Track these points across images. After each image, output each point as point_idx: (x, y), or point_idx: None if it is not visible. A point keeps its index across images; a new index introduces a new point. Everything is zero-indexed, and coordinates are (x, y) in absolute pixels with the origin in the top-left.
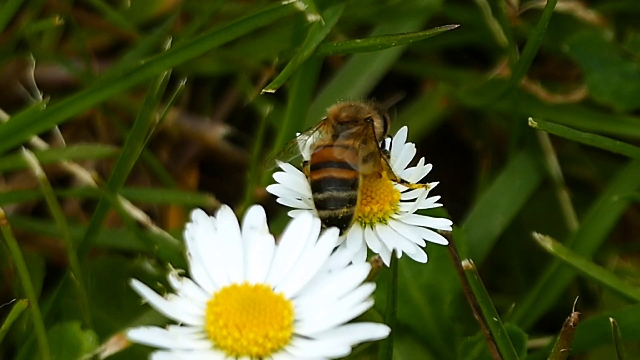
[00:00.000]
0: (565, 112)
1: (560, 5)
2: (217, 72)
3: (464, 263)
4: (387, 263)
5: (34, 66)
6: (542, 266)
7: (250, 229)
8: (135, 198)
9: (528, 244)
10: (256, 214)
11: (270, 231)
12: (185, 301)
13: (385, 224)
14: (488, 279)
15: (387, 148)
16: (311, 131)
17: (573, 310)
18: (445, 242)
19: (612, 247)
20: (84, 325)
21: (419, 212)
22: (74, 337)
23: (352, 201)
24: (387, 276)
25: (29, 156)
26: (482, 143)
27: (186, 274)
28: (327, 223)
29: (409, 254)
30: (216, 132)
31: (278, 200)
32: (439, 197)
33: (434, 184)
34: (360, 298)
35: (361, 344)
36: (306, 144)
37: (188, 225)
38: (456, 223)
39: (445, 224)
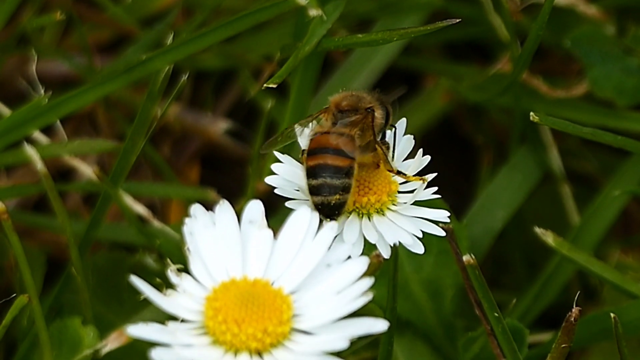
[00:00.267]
0: (567, 107)
1: (561, 0)
2: (219, 67)
3: (465, 258)
4: (385, 254)
5: (36, 61)
6: (543, 261)
7: (249, 224)
8: (137, 192)
9: (529, 239)
10: (255, 209)
11: (272, 226)
12: (184, 297)
13: (383, 215)
14: (489, 274)
15: (388, 139)
16: (312, 118)
17: (574, 306)
18: (442, 233)
19: (614, 241)
20: (85, 320)
21: (417, 203)
22: (75, 333)
23: (345, 189)
24: (388, 271)
25: (30, 151)
26: (483, 138)
27: (185, 269)
28: (319, 209)
29: (406, 245)
30: (218, 126)
31: (276, 191)
32: (436, 188)
33: (431, 176)
34: (359, 292)
35: (362, 339)
36: (305, 130)
37: (187, 220)
38: (458, 218)
39: (443, 215)
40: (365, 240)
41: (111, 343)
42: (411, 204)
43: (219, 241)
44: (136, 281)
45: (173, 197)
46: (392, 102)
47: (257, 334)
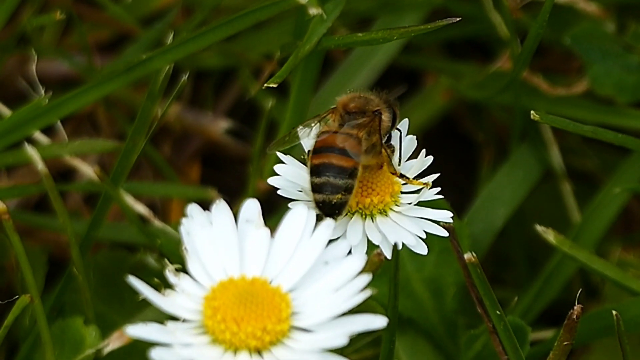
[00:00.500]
0: (567, 105)
1: None
2: (219, 66)
3: (467, 256)
4: (388, 255)
5: (36, 61)
6: (544, 258)
7: (246, 223)
8: (138, 192)
9: (530, 237)
10: (251, 207)
11: (272, 225)
12: (183, 296)
13: (386, 215)
14: (490, 271)
15: (394, 141)
16: (319, 118)
17: (576, 303)
18: (445, 233)
19: (615, 239)
20: (87, 320)
21: (419, 203)
22: (77, 332)
23: (347, 189)
24: (389, 269)
25: (31, 151)
26: (484, 136)
27: (184, 269)
28: (320, 207)
29: (409, 246)
30: (218, 126)
31: (279, 192)
32: (439, 189)
33: (433, 176)
34: (357, 289)
35: (364, 337)
36: (313, 130)
37: (183, 220)
38: (458, 216)
39: (446, 215)
40: (368, 240)
41: (113, 342)
42: (414, 205)
43: (216, 241)
44: (135, 282)
45: (174, 197)
46: (394, 101)
47: (257, 332)
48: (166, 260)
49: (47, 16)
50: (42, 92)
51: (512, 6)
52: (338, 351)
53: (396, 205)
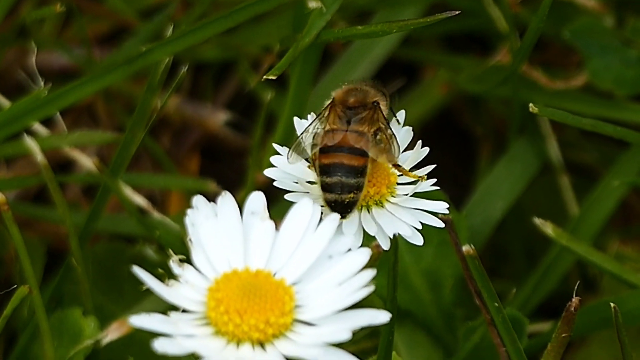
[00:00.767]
0: (566, 98)
1: None
2: (218, 59)
3: (465, 248)
4: (384, 246)
5: (35, 53)
6: (542, 251)
7: (251, 215)
8: (137, 184)
9: (529, 229)
10: (257, 200)
11: (271, 217)
12: (186, 287)
13: (382, 206)
14: (489, 264)
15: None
16: (323, 117)
17: (574, 296)
18: (441, 224)
19: (613, 232)
20: (86, 311)
21: (416, 195)
22: (76, 323)
23: (359, 188)
24: (388, 262)
25: (30, 142)
26: (482, 129)
27: (187, 260)
28: (331, 206)
29: (405, 237)
30: (217, 118)
31: (275, 184)
32: (435, 180)
33: (429, 168)
34: (361, 283)
35: (362, 329)
36: (314, 129)
37: (189, 211)
38: (457, 208)
39: (442, 206)
40: (365, 232)
41: (112, 334)
42: (410, 196)
43: (221, 232)
44: (138, 272)
45: (173, 188)
46: (392, 94)
47: (259, 324)
48: (170, 251)
49: (47, 9)
50: (42, 84)
51: (511, 0)
52: (338, 344)
53: (392, 196)
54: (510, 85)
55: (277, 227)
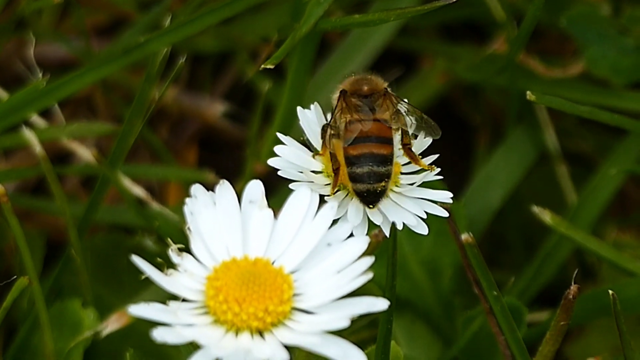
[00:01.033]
0: (563, 87)
1: None
2: (216, 49)
3: (464, 237)
4: (388, 234)
5: (34, 44)
6: (541, 240)
7: (249, 203)
8: (135, 175)
9: (527, 218)
10: (255, 188)
11: (269, 206)
12: (185, 276)
13: (387, 196)
14: (487, 253)
15: None
16: (340, 110)
17: (572, 284)
18: (445, 214)
19: (611, 220)
20: (85, 302)
21: (419, 184)
22: (75, 315)
23: (389, 175)
24: (387, 250)
25: (29, 134)
26: (480, 118)
27: (186, 249)
28: (363, 196)
29: (410, 226)
30: (215, 108)
31: (279, 173)
32: (439, 169)
33: (432, 158)
34: (360, 271)
35: (361, 318)
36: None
37: (187, 200)
38: (455, 197)
39: (446, 196)
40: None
41: (111, 325)
42: (412, 184)
43: (220, 221)
44: (138, 261)
45: (171, 179)
46: (390, 84)
47: (258, 313)
48: (169, 240)
49: (45, 0)
50: (40, 75)
51: None
52: (337, 333)
53: (396, 186)
54: (508, 74)
55: (275, 216)
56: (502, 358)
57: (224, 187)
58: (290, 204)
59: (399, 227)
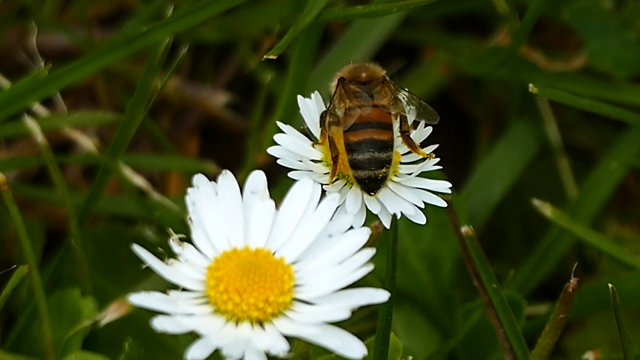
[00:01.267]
0: (565, 80)
1: None
2: (218, 40)
3: (464, 229)
4: (387, 225)
5: (36, 33)
6: (541, 233)
7: (251, 194)
8: (137, 165)
9: (527, 211)
10: (257, 179)
11: (271, 197)
12: (186, 266)
13: (385, 185)
14: (487, 245)
15: None
16: (339, 98)
17: (572, 277)
18: (444, 204)
19: (611, 214)
20: (85, 292)
21: (418, 174)
22: (75, 304)
23: (390, 161)
24: (387, 242)
25: (30, 123)
26: (482, 110)
27: (187, 239)
28: (365, 183)
29: (408, 216)
30: (217, 99)
31: (279, 162)
32: (438, 159)
33: (432, 148)
34: (360, 263)
35: (360, 310)
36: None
37: (189, 190)
38: (456, 190)
39: (445, 186)
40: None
41: (110, 314)
42: (410, 174)
43: (221, 211)
44: (139, 250)
45: (172, 170)
46: (392, 75)
47: (259, 303)
48: (170, 230)
49: None
50: (42, 64)
51: None
52: (337, 324)
53: (395, 175)
54: (510, 66)
55: (277, 207)
56: (501, 350)
57: (226, 178)
58: (292, 195)
59: (397, 216)
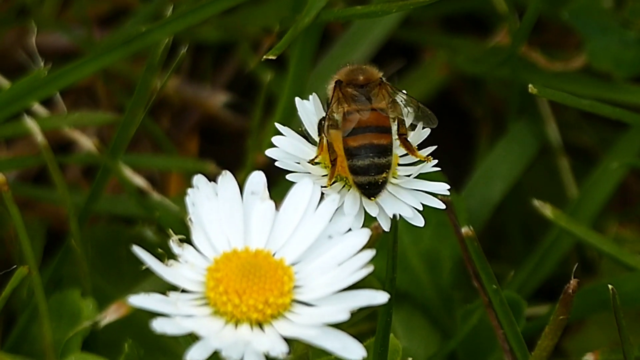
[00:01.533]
0: (565, 80)
1: None
2: (218, 40)
3: (464, 230)
4: (385, 227)
5: (36, 33)
6: (541, 233)
7: (251, 195)
8: (137, 165)
9: (527, 211)
10: (257, 180)
11: (271, 198)
12: (186, 267)
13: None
14: (487, 246)
15: None
16: (337, 101)
17: (572, 278)
18: (442, 206)
19: (612, 214)
20: (84, 292)
21: (416, 176)
22: (74, 305)
23: (389, 166)
24: (387, 243)
25: (30, 123)
26: (482, 110)
27: (187, 240)
28: (365, 188)
29: (407, 218)
30: (217, 99)
31: (277, 164)
32: (436, 161)
33: (430, 149)
34: (360, 264)
35: (360, 311)
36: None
37: (189, 190)
38: (456, 190)
39: (443, 187)
40: (365, 213)
41: (110, 315)
42: (408, 176)
43: (221, 212)
44: (138, 251)
45: (172, 170)
46: (391, 75)
47: (258, 305)
48: (170, 230)
49: None
50: (42, 64)
51: None
52: (337, 326)
53: (393, 177)
54: (509, 66)
55: (277, 208)
56: (500, 352)
57: (226, 178)
58: (292, 196)
59: (397, 217)
